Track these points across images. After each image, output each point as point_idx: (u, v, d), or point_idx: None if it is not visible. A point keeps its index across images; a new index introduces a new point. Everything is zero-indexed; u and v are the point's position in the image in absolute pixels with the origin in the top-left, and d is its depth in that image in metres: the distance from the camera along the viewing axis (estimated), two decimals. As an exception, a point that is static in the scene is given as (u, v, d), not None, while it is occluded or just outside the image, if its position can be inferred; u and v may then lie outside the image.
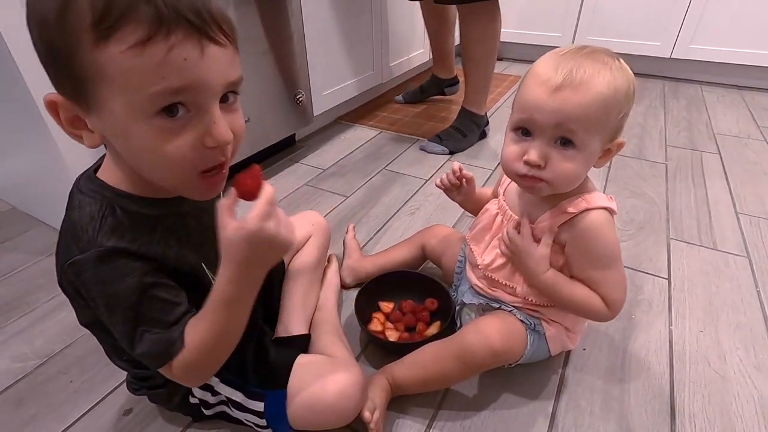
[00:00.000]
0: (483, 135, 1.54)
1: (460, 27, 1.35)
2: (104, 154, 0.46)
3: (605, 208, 0.56)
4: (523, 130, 0.54)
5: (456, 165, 0.71)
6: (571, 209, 0.56)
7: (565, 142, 0.51)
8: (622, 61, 0.52)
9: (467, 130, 1.48)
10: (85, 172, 0.46)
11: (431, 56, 1.83)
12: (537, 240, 0.58)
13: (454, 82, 1.84)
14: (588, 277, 0.57)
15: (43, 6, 0.33)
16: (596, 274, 0.57)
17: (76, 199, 0.43)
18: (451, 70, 1.79)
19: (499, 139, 1.54)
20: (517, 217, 0.61)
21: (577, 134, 0.50)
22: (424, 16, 1.63)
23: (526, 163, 0.53)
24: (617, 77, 0.50)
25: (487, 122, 1.54)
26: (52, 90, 0.37)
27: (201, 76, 0.35)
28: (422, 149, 1.47)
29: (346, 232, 0.96)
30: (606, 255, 0.56)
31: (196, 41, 0.34)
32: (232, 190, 0.40)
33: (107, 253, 0.40)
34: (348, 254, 0.90)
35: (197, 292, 0.46)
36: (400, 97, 1.88)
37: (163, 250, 0.44)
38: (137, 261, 0.42)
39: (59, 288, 0.46)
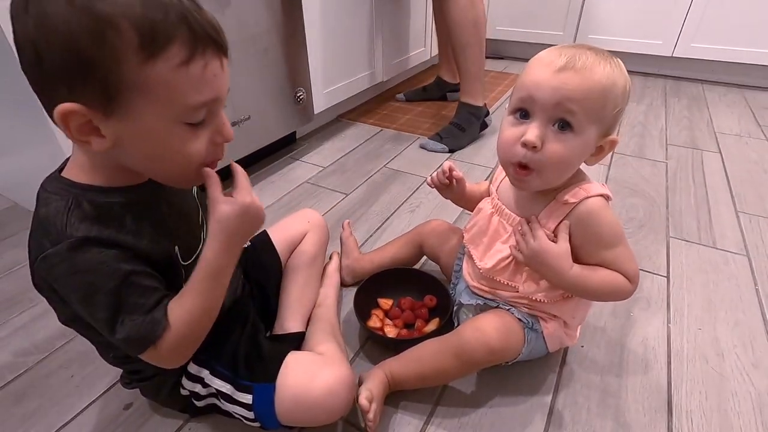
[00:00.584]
0: (484, 126, 1.52)
1: (441, 11, 1.37)
2: (67, 158, 0.46)
3: (601, 195, 0.57)
4: (521, 113, 0.54)
5: (447, 164, 0.71)
6: (571, 199, 0.56)
7: (563, 126, 0.52)
8: (620, 61, 0.53)
9: (466, 124, 1.47)
10: (50, 174, 0.46)
11: (438, 56, 1.83)
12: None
13: (458, 88, 1.83)
14: (602, 260, 0.57)
15: (72, 25, 0.34)
16: (609, 254, 0.57)
17: (42, 197, 0.43)
18: (456, 75, 1.75)
19: (499, 137, 1.54)
20: (514, 215, 0.62)
21: (576, 116, 0.51)
22: (434, 14, 1.63)
23: (523, 144, 0.53)
24: (616, 72, 0.51)
25: (488, 112, 1.52)
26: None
27: (221, 87, 0.41)
28: (422, 147, 1.47)
29: (342, 230, 0.95)
30: (613, 234, 0.57)
31: (219, 58, 0.40)
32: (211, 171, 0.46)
33: (79, 242, 0.40)
34: (346, 253, 0.90)
35: (170, 276, 0.48)
36: (401, 96, 1.88)
37: (134, 238, 0.44)
38: (110, 249, 0.42)
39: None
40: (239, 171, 0.49)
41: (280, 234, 0.77)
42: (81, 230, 0.41)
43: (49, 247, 0.40)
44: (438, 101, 1.86)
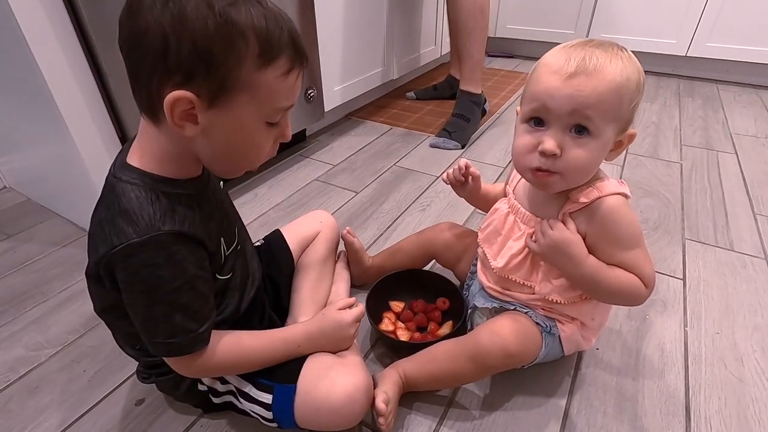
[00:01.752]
0: (484, 112, 1.58)
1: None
2: (126, 143, 0.48)
3: (618, 193, 0.55)
4: (535, 120, 0.53)
5: (462, 162, 0.70)
6: (582, 199, 0.55)
7: (580, 130, 0.50)
8: (630, 52, 0.51)
9: (469, 114, 1.49)
10: (116, 160, 0.47)
11: (450, 54, 1.80)
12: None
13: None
14: (618, 261, 0.56)
15: (209, 28, 0.38)
16: (626, 255, 0.55)
17: (119, 187, 0.44)
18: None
19: (512, 134, 1.53)
20: (529, 214, 0.61)
21: (593, 121, 0.49)
22: (447, 11, 1.61)
23: (542, 153, 0.51)
24: (628, 66, 0.49)
25: (485, 99, 1.56)
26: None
27: (297, 95, 0.47)
28: (433, 146, 1.46)
29: (343, 239, 0.85)
30: (631, 235, 0.55)
31: (301, 70, 0.45)
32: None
33: (166, 237, 0.43)
34: (354, 262, 0.85)
35: (212, 264, 0.50)
36: (411, 94, 1.87)
37: (203, 229, 0.48)
38: (190, 246, 0.46)
39: (82, 275, 0.47)
40: (361, 305, 0.63)
41: (292, 233, 0.76)
42: (168, 223, 0.44)
43: (134, 237, 0.42)
44: (449, 99, 1.84)
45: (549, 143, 0.51)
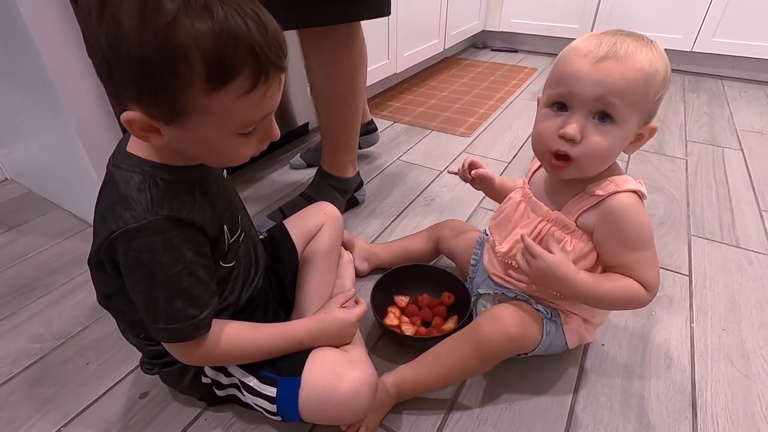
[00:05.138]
0: (354, 202, 1.10)
1: (304, 59, 0.95)
2: (127, 133, 0.47)
3: (634, 191, 0.54)
4: (558, 105, 0.52)
5: (468, 160, 0.70)
6: (599, 192, 0.54)
7: (603, 117, 0.50)
8: (658, 45, 0.51)
9: (322, 198, 0.94)
10: (116, 149, 0.47)
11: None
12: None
13: (370, 129, 1.29)
14: (622, 262, 0.55)
15: (145, 50, 0.34)
16: (631, 256, 0.55)
17: (118, 175, 0.44)
18: (363, 112, 1.18)
19: (516, 128, 1.52)
20: (541, 203, 0.60)
21: (618, 108, 0.49)
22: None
23: (562, 137, 0.51)
24: (657, 57, 0.49)
25: (361, 184, 1.10)
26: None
27: (276, 103, 0.43)
28: (260, 226, 0.98)
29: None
30: (640, 236, 0.55)
31: (278, 77, 0.41)
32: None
33: (163, 222, 0.43)
34: (352, 246, 0.89)
35: (215, 252, 0.50)
36: (297, 160, 1.30)
37: (202, 215, 0.47)
38: (188, 232, 0.45)
39: (84, 267, 0.47)
40: (363, 303, 0.65)
41: (296, 226, 0.76)
42: (165, 209, 0.43)
43: (131, 222, 0.42)
44: (454, 89, 1.83)
45: (571, 128, 0.50)
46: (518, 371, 0.68)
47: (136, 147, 0.45)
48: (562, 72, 0.51)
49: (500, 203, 0.70)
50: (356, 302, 0.67)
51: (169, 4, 0.34)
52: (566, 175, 0.54)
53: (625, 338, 0.75)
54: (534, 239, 0.60)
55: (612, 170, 0.56)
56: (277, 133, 0.47)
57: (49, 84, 0.79)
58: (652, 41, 0.50)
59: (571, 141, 0.50)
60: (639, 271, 0.55)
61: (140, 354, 0.61)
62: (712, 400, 0.65)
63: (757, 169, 1.28)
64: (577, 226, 0.57)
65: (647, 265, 0.55)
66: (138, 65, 0.35)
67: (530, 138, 0.57)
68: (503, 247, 0.63)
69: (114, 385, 0.67)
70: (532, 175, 0.65)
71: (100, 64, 0.37)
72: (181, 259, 0.45)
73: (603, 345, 0.73)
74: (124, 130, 0.44)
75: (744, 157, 1.35)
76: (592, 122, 0.50)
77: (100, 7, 0.34)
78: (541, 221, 0.60)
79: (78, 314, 0.80)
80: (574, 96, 0.50)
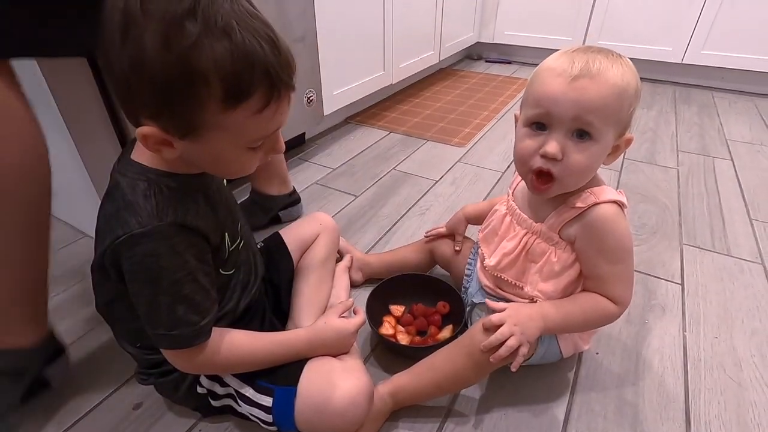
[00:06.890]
0: (277, 219, 1.06)
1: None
2: (130, 141, 0.48)
3: (614, 202, 0.55)
4: (537, 125, 0.53)
5: (425, 233, 0.85)
6: (579, 204, 0.55)
7: (582, 135, 0.51)
8: (627, 59, 0.52)
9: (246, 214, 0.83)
10: (120, 158, 0.48)
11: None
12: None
13: (293, 201, 1.09)
14: (598, 273, 0.57)
15: (167, 74, 0.36)
16: (607, 269, 0.56)
17: (123, 182, 0.45)
18: (284, 179, 1.07)
19: (510, 138, 1.53)
20: (525, 216, 0.62)
21: (595, 125, 0.50)
22: None
23: (543, 156, 0.52)
24: (627, 72, 0.51)
25: (298, 200, 1.09)
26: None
27: (284, 119, 0.45)
28: None
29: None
30: (618, 248, 0.56)
31: (288, 96, 0.43)
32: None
33: (168, 227, 0.44)
34: (347, 254, 0.89)
35: (216, 259, 0.51)
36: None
37: (206, 222, 0.48)
38: (192, 238, 0.46)
39: (80, 278, 0.47)
40: (361, 313, 0.66)
41: (292, 235, 0.76)
42: (170, 215, 0.44)
43: (136, 227, 0.43)
44: (450, 95, 1.86)
45: (552, 146, 0.51)
46: (513, 380, 0.68)
47: (140, 155, 0.46)
48: (539, 92, 0.52)
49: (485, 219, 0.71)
50: (354, 312, 0.67)
51: (192, 27, 0.35)
52: (549, 194, 0.56)
53: (618, 347, 0.75)
54: (520, 252, 0.61)
55: (591, 182, 0.57)
56: (282, 146, 0.49)
57: (46, 94, 0.79)
58: (620, 56, 0.52)
59: (553, 159, 0.52)
60: (612, 285, 0.56)
61: (134, 364, 0.60)
62: (705, 408, 0.65)
63: (747, 179, 1.30)
64: (560, 237, 0.58)
65: (620, 280, 0.57)
66: (159, 86, 0.37)
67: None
68: (491, 261, 0.64)
69: (107, 396, 0.67)
70: (515, 188, 0.66)
71: (120, 84, 0.39)
72: (185, 265, 0.45)
73: (597, 354, 0.74)
74: (121, 142, 0.45)
75: (734, 167, 1.37)
76: (571, 140, 0.51)
77: (124, 30, 0.35)
78: (526, 233, 0.61)
79: (72, 325, 0.79)
80: (552, 116, 0.51)
